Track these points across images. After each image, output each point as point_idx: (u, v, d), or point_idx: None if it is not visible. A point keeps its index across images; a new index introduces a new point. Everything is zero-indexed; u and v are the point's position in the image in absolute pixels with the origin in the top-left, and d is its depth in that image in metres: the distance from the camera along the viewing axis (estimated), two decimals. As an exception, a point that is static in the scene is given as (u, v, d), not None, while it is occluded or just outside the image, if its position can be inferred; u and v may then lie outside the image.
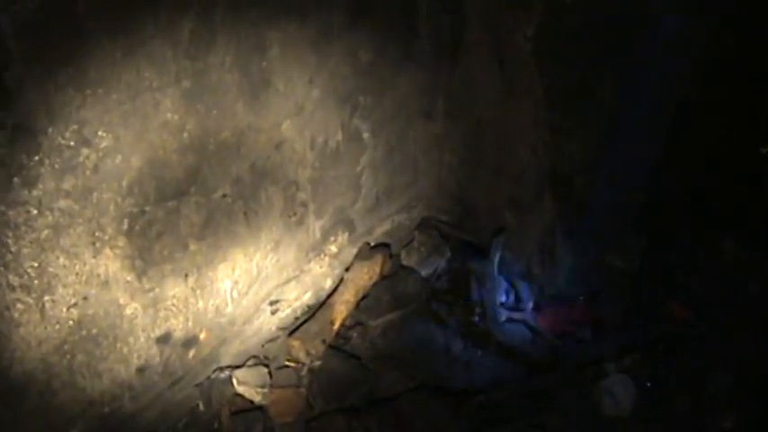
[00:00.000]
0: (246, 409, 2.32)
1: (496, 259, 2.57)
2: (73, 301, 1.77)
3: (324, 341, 2.48)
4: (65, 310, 1.77)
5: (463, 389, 2.37)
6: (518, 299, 2.63)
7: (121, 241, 1.82)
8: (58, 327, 1.78)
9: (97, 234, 1.75)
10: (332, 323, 2.54)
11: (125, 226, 1.81)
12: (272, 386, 2.38)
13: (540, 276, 2.63)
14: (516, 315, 2.56)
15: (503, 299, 2.59)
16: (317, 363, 2.46)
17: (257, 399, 2.36)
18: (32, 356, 1.75)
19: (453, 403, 2.28)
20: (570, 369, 2.36)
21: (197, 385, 2.33)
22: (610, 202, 2.50)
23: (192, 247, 2.04)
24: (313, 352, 2.45)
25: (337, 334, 2.57)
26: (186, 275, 2.06)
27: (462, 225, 2.87)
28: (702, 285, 2.53)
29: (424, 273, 2.76)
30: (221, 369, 2.38)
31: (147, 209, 1.85)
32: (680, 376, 2.31)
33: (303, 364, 2.46)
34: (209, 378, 2.35)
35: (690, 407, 2.20)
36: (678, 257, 2.59)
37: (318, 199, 2.46)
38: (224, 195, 2.05)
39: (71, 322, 1.80)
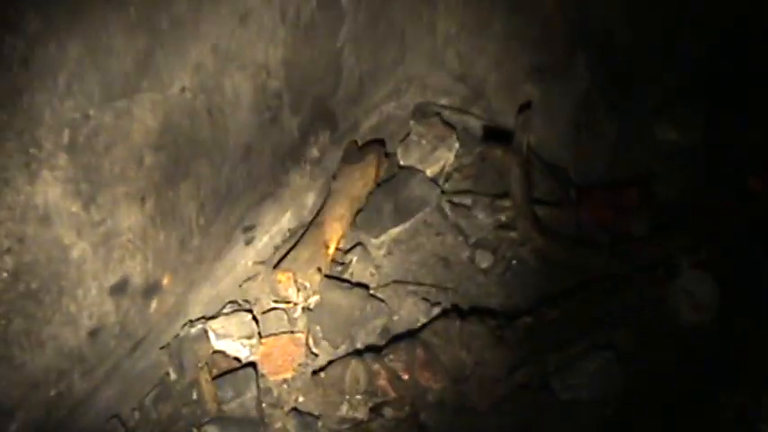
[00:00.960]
0: (231, 370, 2.24)
1: (524, 142, 2.49)
2: (6, 245, 1.61)
3: (318, 270, 2.38)
4: (-6, 258, 1.59)
5: (502, 310, 2.36)
6: (555, 189, 2.60)
7: (62, 159, 1.70)
8: (-14, 283, 1.61)
9: (32, 151, 1.63)
10: (325, 246, 2.43)
11: (65, 138, 1.72)
12: (260, 336, 2.30)
13: (579, 159, 2.61)
14: (555, 210, 2.52)
15: (534, 192, 2.55)
16: (314, 298, 2.38)
17: (244, 353, 2.28)
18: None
19: (493, 328, 2.25)
20: (632, 271, 2.35)
21: (163, 347, 2.25)
22: (659, 64, 2.45)
23: (148, 160, 1.92)
24: (307, 285, 2.35)
25: (333, 260, 2.49)
26: (143, 199, 1.96)
27: (470, 107, 2.81)
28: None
29: (429, 171, 2.70)
30: (192, 323, 2.29)
31: (92, 113, 1.75)
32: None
33: (295, 303, 2.38)
34: (177, 336, 2.27)
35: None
36: (742, 126, 2.60)
37: (294, 87, 2.30)
38: (183, 89, 1.96)
39: (5, 275, 1.64)
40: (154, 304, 2.16)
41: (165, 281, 2.16)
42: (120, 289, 2.01)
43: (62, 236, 1.77)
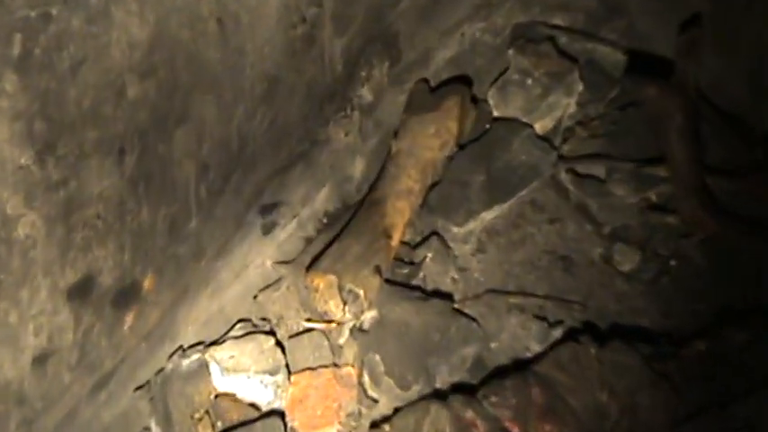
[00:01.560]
0: (246, 422, 2.26)
1: (689, 77, 2.49)
2: None
3: (376, 271, 2.39)
4: None
5: (660, 331, 2.35)
6: (735, 150, 2.59)
7: (10, 81, 1.71)
8: None
9: None
10: (386, 236, 2.45)
11: (15, 48, 1.71)
12: (288, 371, 2.33)
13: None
14: (736, 182, 2.52)
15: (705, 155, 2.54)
16: (370, 315, 2.40)
17: (264, 397, 2.30)
18: None
19: (648, 358, 2.24)
20: None
21: (141, 387, 2.28)
22: None
23: (132, 90, 1.94)
24: (359, 294, 2.36)
25: (398, 258, 2.51)
26: (122, 152, 1.98)
27: (600, 29, 2.83)
28: None
29: (539, 127, 2.71)
30: (184, 351, 2.33)
31: (54, 12, 1.72)
32: None
33: (340, 322, 2.40)
34: (162, 371, 2.30)
35: None
36: None
37: None
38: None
39: None
40: (129, 319, 2.19)
41: (147, 283, 2.20)
42: (81, 292, 2.04)
43: (4, 200, 1.79)
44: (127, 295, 2.15)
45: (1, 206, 1.79)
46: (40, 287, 1.94)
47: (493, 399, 2.19)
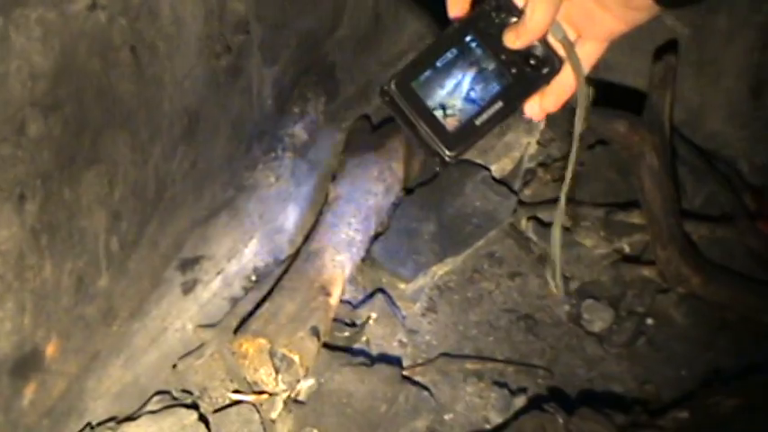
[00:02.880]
0: None
1: (665, 110, 2.57)
2: None
3: (314, 333, 2.41)
4: None
5: (633, 398, 2.43)
6: (718, 194, 2.70)
7: None
8: None
9: None
10: (324, 292, 2.47)
11: None
12: None
13: (757, 143, 2.69)
14: (719, 229, 2.62)
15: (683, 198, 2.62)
16: (307, 384, 2.44)
17: None
18: None
19: (625, 427, 2.30)
20: None
21: None
22: None
23: (34, 128, 1.91)
24: (295, 360, 2.37)
25: (337, 318, 2.55)
26: (22, 198, 2.00)
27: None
28: None
29: (496, 169, 2.80)
30: (92, 428, 2.33)
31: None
32: None
33: (272, 393, 2.42)
34: None
35: None
36: None
37: (268, 15, 2.42)
38: (92, 6, 1.98)
39: None
40: (29, 392, 2.20)
41: (50, 349, 2.21)
42: None
43: None
44: (26, 364, 2.15)
45: None
46: None
47: None
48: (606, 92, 2.67)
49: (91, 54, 2.02)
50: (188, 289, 2.49)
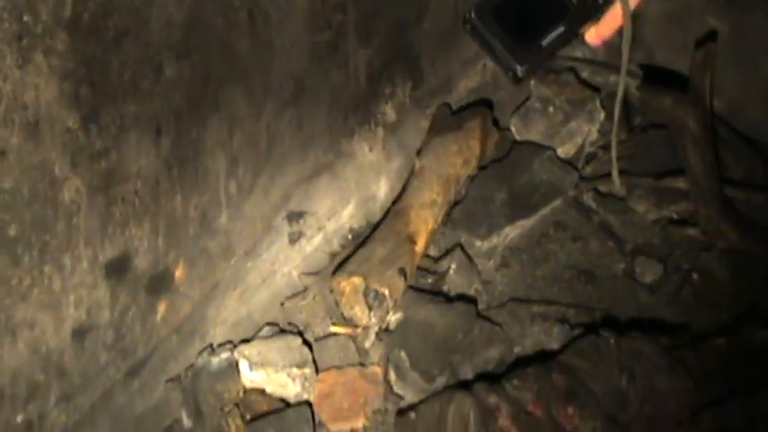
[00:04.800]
0: (276, 410, 2.42)
1: (705, 86, 2.65)
2: None
3: (401, 273, 2.56)
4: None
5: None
6: (754, 166, 2.83)
7: (61, 41, 1.89)
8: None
9: (26, 19, 1.80)
10: (410, 241, 2.63)
11: (67, 9, 1.88)
12: (316, 367, 2.49)
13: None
14: (756, 195, 2.74)
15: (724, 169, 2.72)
16: (395, 316, 2.59)
17: (293, 389, 2.47)
18: None
19: (669, 347, 2.42)
20: None
21: (172, 380, 2.44)
22: None
23: (169, 69, 2.14)
24: (385, 294, 2.52)
25: (421, 267, 2.69)
26: (158, 131, 2.17)
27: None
28: None
29: (561, 152, 2.95)
30: (213, 349, 2.49)
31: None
32: None
33: (365, 327, 2.58)
34: (191, 367, 2.45)
35: None
36: None
37: (361, 3, 2.60)
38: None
39: None
40: (161, 308, 2.36)
41: (179, 273, 2.37)
42: (118, 270, 2.21)
43: (53, 161, 1.98)
44: (160, 282, 2.30)
45: (49, 166, 1.97)
46: (82, 257, 2.10)
47: (516, 383, 2.33)
48: (652, 77, 2.86)
49: (215, 12, 2.19)
50: (294, 239, 2.64)
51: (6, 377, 2.02)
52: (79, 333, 2.16)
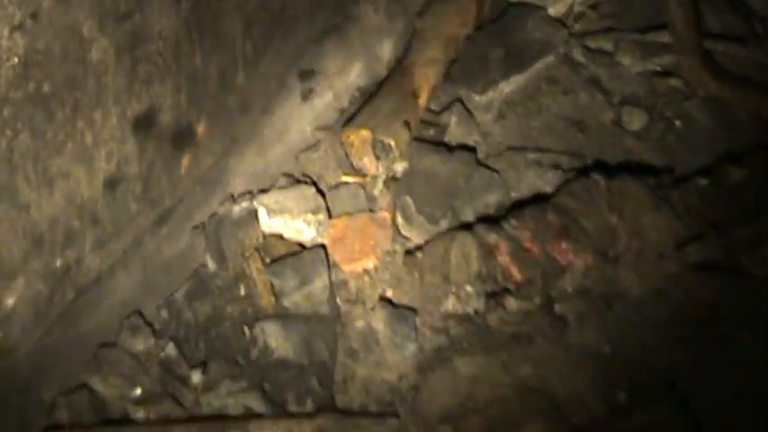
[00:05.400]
0: (292, 253, 2.57)
1: None
2: (18, 17, 1.90)
3: (406, 125, 2.66)
4: (5, 33, 1.89)
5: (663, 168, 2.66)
6: (732, 20, 2.96)
7: None
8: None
9: None
10: (413, 96, 2.74)
11: None
12: (329, 214, 2.61)
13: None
14: (733, 47, 2.87)
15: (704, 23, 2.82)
16: (401, 165, 2.71)
17: (308, 234, 2.61)
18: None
19: (654, 188, 2.56)
20: None
21: (196, 227, 2.55)
22: None
23: None
24: (392, 145, 2.65)
25: (424, 121, 2.80)
26: None
27: None
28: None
29: (552, 11, 3.04)
30: (234, 199, 2.61)
31: None
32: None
33: (374, 176, 2.71)
34: (214, 215, 2.59)
35: None
36: None
37: None
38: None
39: (15, 60, 1.93)
40: (185, 161, 2.46)
41: (200, 128, 2.47)
42: (145, 124, 2.30)
43: (81, 22, 2.05)
44: (183, 137, 2.39)
45: (78, 28, 2.04)
46: (111, 113, 2.19)
47: (513, 223, 2.47)
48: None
49: None
50: (306, 96, 2.72)
51: (45, 224, 2.13)
52: (110, 184, 2.26)
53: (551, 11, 3.02)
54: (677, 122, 2.85)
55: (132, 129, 2.27)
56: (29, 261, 2.11)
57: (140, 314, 2.46)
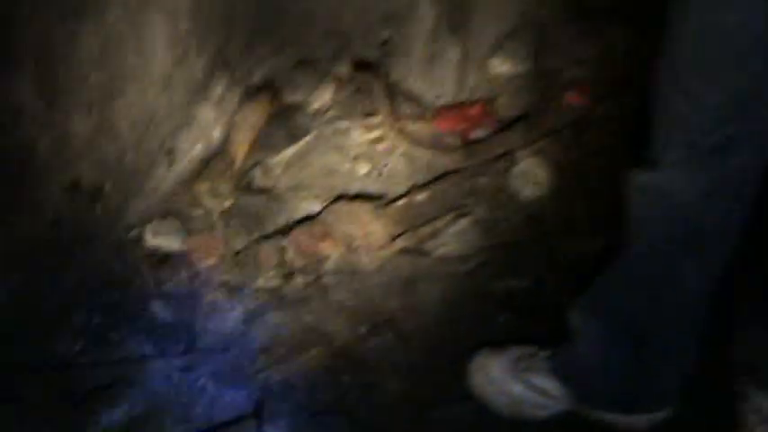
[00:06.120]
0: (166, 259, 3.21)
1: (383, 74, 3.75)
2: None
3: (230, 179, 3.45)
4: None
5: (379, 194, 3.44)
6: (414, 109, 3.95)
7: (30, 65, 2.26)
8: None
9: None
10: (233, 162, 3.54)
11: None
12: (188, 234, 3.30)
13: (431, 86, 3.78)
14: (416, 125, 3.84)
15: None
16: (228, 203, 3.48)
17: (176, 246, 3.28)
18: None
19: (374, 207, 3.54)
20: (481, 163, 3.68)
21: (109, 244, 2.98)
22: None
23: (92, 78, 2.60)
24: (222, 190, 3.43)
25: (239, 175, 3.49)
26: (90, 109, 2.63)
27: (337, 56, 4.02)
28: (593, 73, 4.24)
29: (316, 105, 3.81)
30: (130, 228, 3.15)
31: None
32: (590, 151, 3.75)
33: (212, 210, 3.68)
34: (118, 239, 3.08)
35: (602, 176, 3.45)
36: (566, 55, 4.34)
37: (199, 32, 3.13)
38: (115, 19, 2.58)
39: None
40: (99, 206, 2.94)
41: (108, 187, 2.91)
42: (73, 188, 2.73)
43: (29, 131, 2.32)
44: (96, 193, 2.95)
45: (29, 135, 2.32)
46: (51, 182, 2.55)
47: (296, 232, 3.80)
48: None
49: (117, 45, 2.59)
50: (170, 164, 3.40)
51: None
52: (53, 223, 2.70)
53: (314, 105, 4.11)
54: (386, 167, 4.05)
55: (66, 190, 2.90)
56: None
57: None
